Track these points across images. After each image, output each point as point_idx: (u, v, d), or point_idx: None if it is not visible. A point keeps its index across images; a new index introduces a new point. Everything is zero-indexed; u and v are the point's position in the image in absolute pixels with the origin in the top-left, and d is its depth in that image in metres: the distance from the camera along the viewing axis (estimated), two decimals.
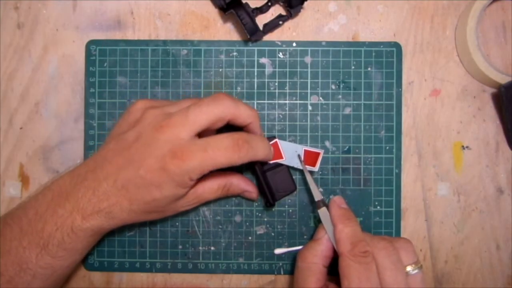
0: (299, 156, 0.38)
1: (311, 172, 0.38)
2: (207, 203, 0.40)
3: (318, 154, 0.38)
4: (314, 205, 0.39)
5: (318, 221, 0.38)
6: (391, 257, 0.32)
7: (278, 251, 0.39)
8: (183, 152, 0.31)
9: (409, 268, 0.32)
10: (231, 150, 0.32)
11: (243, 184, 0.38)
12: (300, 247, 0.38)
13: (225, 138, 0.32)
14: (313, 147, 0.39)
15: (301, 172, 0.39)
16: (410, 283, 0.32)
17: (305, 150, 0.38)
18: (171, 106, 0.34)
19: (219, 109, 0.32)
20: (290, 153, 0.38)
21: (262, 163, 0.38)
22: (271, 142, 0.38)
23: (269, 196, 0.38)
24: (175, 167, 0.31)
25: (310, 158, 0.38)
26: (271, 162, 0.38)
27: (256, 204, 0.40)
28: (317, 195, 0.36)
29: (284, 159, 0.38)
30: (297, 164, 0.38)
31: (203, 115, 0.32)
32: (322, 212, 0.35)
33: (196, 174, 0.32)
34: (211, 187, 0.36)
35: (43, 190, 0.34)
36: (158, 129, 0.32)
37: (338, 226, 0.34)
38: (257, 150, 0.33)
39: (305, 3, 0.39)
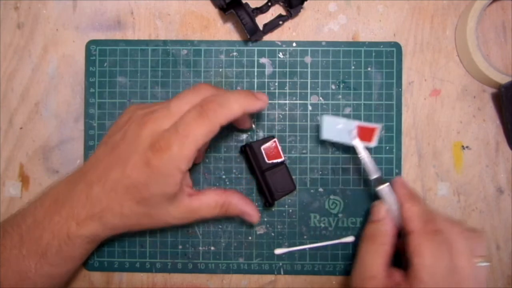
0: (351, 132, 0.36)
1: (368, 149, 0.36)
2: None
3: (374, 129, 0.36)
4: (371, 183, 0.38)
5: (374, 198, 0.37)
6: (467, 241, 0.32)
7: (278, 251, 0.39)
8: (161, 143, 0.30)
9: (478, 260, 0.32)
10: (200, 118, 0.30)
11: (243, 205, 0.36)
12: (299, 248, 0.38)
13: (190, 111, 0.31)
14: (314, 146, 0.39)
15: (297, 173, 0.39)
16: (476, 274, 0.32)
17: (358, 127, 0.36)
18: (159, 104, 0.34)
19: (200, 97, 0.32)
20: (342, 130, 0.36)
21: (261, 164, 0.38)
22: (270, 142, 0.38)
23: (268, 196, 0.38)
24: (157, 160, 0.30)
25: (366, 134, 0.36)
26: (270, 161, 0.38)
27: (256, 204, 0.40)
28: (375, 173, 0.35)
29: (283, 158, 0.38)
30: (349, 141, 0.36)
31: (185, 105, 0.32)
32: (384, 190, 0.35)
33: (181, 161, 0.31)
34: (208, 203, 0.35)
35: (42, 196, 0.34)
36: (141, 125, 0.32)
37: (405, 204, 0.33)
38: (230, 104, 0.31)
39: (305, 3, 0.39)
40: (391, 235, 0.34)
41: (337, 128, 0.36)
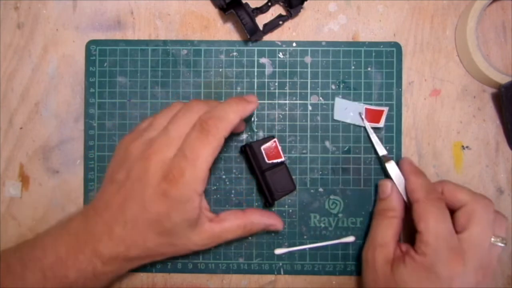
0: (360, 114, 0.39)
1: (377, 129, 0.40)
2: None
3: (382, 111, 0.39)
4: (380, 160, 0.40)
5: (385, 176, 0.40)
6: (487, 215, 0.34)
7: (278, 251, 0.39)
8: (174, 172, 0.31)
9: (494, 239, 0.33)
10: (205, 137, 0.31)
11: (266, 220, 0.36)
12: (299, 247, 0.38)
13: (192, 132, 0.32)
14: (314, 146, 0.39)
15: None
16: (491, 248, 0.33)
17: (367, 109, 0.39)
18: (150, 130, 0.34)
19: (195, 115, 0.32)
20: (353, 111, 0.39)
21: (261, 164, 0.37)
22: (270, 142, 0.38)
23: (268, 196, 0.38)
24: (174, 190, 0.31)
25: (374, 115, 0.39)
26: (270, 162, 0.38)
27: (256, 204, 0.40)
28: (382, 151, 0.39)
29: (283, 158, 0.38)
30: (359, 121, 0.39)
31: (183, 127, 0.32)
32: (391, 165, 0.38)
33: (197, 184, 0.31)
34: (230, 228, 0.35)
35: (59, 230, 0.33)
36: (145, 159, 0.32)
37: (411, 178, 0.36)
38: (227, 115, 0.32)
39: (305, 3, 0.39)
40: (399, 209, 0.37)
41: (348, 109, 0.39)
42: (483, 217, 0.33)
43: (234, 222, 0.35)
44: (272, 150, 0.38)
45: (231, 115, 0.32)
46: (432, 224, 0.33)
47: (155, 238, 0.32)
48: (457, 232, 0.33)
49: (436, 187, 0.36)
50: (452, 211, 0.35)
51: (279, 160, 0.38)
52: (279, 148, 0.38)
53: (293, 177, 0.39)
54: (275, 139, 0.38)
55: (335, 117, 0.40)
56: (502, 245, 0.33)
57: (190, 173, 0.31)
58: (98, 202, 0.34)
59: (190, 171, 0.31)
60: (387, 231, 0.36)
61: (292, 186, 0.38)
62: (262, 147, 0.38)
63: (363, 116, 0.39)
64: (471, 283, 0.32)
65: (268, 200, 0.38)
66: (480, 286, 0.33)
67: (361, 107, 0.39)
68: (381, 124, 0.39)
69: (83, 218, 0.33)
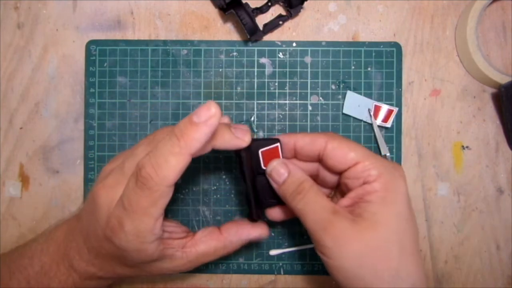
0: (369, 110, 0.39)
1: (381, 129, 0.40)
2: (206, 202, 0.40)
3: (391, 111, 0.39)
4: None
5: None
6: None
7: (273, 252, 0.39)
8: (113, 221, 0.27)
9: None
10: (139, 191, 0.26)
11: (245, 236, 0.32)
12: (295, 248, 0.39)
13: (130, 179, 0.27)
14: None
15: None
16: None
17: (376, 106, 0.39)
18: (117, 159, 0.31)
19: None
20: (363, 107, 0.39)
21: (254, 167, 0.32)
22: (272, 145, 0.32)
23: (253, 206, 0.33)
24: (118, 240, 0.28)
25: (383, 114, 0.39)
26: (265, 168, 0.32)
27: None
28: (384, 150, 0.39)
29: None
30: (366, 118, 0.39)
31: (135, 164, 0.28)
32: None
33: (142, 235, 0.27)
34: (207, 252, 0.32)
35: (47, 238, 0.33)
36: (95, 194, 0.29)
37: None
38: (168, 162, 0.26)
39: (305, 3, 0.39)
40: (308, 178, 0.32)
41: (358, 104, 0.39)
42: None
43: (210, 245, 0.32)
44: (271, 155, 0.32)
45: (171, 160, 0.25)
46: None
47: (123, 268, 0.31)
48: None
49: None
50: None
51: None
52: (281, 154, 0.32)
53: None
54: (279, 145, 0.32)
55: (344, 111, 0.39)
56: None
57: (130, 226, 0.27)
58: (80, 213, 0.32)
59: (129, 224, 0.27)
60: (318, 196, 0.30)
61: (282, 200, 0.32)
62: (261, 150, 0.32)
63: (372, 113, 0.39)
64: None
65: (252, 214, 0.33)
66: None
67: (372, 103, 0.39)
68: (389, 124, 0.39)
69: (66, 228, 0.33)
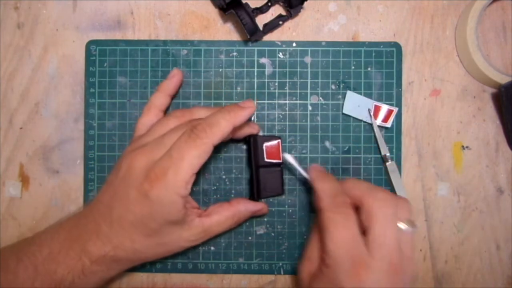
0: (369, 110, 0.39)
1: (381, 128, 0.40)
2: (206, 202, 0.40)
3: (391, 111, 0.39)
4: (381, 159, 0.40)
5: (385, 175, 0.39)
6: (386, 209, 0.31)
7: (287, 155, 0.38)
8: (156, 171, 0.30)
9: (401, 225, 0.31)
10: (192, 141, 0.31)
11: (252, 207, 0.37)
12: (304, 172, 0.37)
13: (181, 136, 0.32)
14: (314, 147, 0.39)
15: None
16: (400, 239, 0.31)
17: (376, 106, 0.39)
18: (146, 136, 0.35)
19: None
20: (363, 107, 0.39)
21: (259, 159, 0.37)
22: (274, 141, 0.37)
23: (255, 192, 0.38)
24: (155, 190, 0.30)
25: (383, 114, 0.39)
26: (268, 160, 0.38)
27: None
28: (384, 150, 0.39)
29: (281, 161, 0.38)
30: (366, 118, 0.39)
31: (176, 135, 0.32)
32: (390, 165, 0.39)
33: (179, 187, 0.31)
34: (220, 221, 0.36)
35: (57, 227, 0.34)
36: (132, 158, 0.32)
37: (316, 185, 0.34)
38: (218, 122, 0.32)
39: (305, 3, 0.39)
40: None
41: (358, 104, 0.39)
42: (381, 212, 0.31)
43: (223, 214, 0.36)
44: (273, 150, 0.38)
45: (222, 122, 0.32)
46: (333, 232, 0.30)
47: (142, 239, 0.32)
48: (365, 234, 0.31)
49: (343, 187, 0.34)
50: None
51: (277, 161, 0.38)
52: (280, 150, 0.38)
53: (293, 176, 0.39)
54: (279, 141, 0.38)
55: (344, 111, 0.40)
56: (411, 229, 0.31)
57: (173, 174, 0.30)
58: (94, 201, 0.34)
59: (173, 171, 0.30)
60: (315, 243, 0.34)
61: (281, 190, 0.39)
62: (265, 144, 0.38)
63: (372, 113, 0.39)
64: (383, 283, 0.30)
65: (254, 196, 0.38)
66: (396, 281, 0.30)
67: (372, 103, 0.39)
68: (389, 124, 0.39)
69: (79, 216, 0.34)
